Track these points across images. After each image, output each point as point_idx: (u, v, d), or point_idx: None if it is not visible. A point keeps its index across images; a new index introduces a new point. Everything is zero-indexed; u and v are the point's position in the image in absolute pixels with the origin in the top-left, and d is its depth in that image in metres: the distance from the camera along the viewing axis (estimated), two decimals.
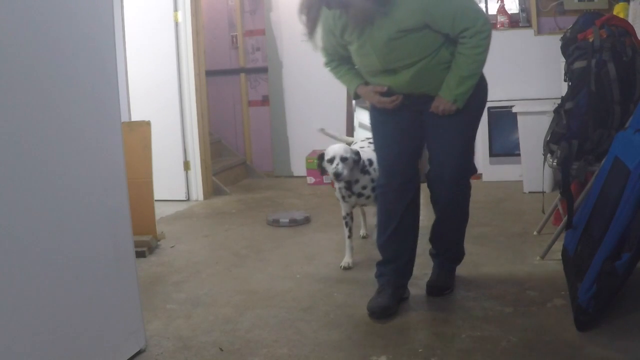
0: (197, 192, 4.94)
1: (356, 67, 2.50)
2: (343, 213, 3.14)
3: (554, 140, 3.08)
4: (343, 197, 3.04)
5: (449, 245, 2.67)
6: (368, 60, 2.37)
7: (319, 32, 2.39)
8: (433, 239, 2.69)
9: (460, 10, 2.24)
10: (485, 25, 2.27)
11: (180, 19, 4.78)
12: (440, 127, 2.42)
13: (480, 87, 2.43)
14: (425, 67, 2.31)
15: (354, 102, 5.43)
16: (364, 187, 2.98)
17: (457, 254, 2.72)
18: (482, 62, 2.33)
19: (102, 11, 2.03)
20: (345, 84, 2.59)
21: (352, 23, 2.27)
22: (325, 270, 3.05)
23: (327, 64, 2.59)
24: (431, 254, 2.74)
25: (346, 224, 3.12)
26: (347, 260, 3.08)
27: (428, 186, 2.58)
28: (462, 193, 2.55)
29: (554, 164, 3.02)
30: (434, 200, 2.59)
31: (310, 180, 5.42)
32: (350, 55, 2.46)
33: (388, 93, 2.42)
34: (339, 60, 2.54)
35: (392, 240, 2.54)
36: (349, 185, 2.96)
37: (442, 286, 2.62)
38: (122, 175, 2.13)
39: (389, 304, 2.44)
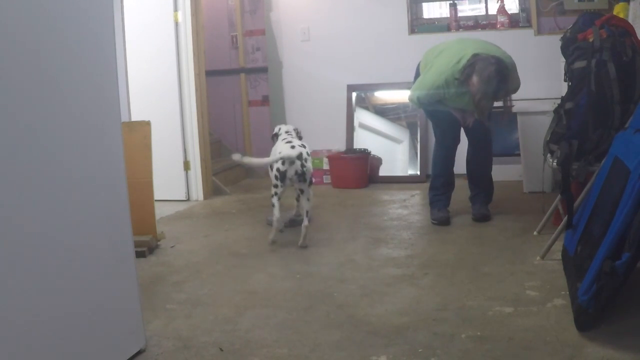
0: (197, 192, 4.93)
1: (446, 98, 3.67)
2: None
3: (554, 140, 3.08)
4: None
5: (482, 178, 3.87)
6: (461, 101, 3.62)
7: (438, 82, 3.58)
8: (471, 177, 3.92)
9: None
10: None
11: (180, 19, 4.78)
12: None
13: None
14: None
15: (353, 102, 5.46)
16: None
17: (489, 187, 3.90)
18: None
19: (102, 11, 2.03)
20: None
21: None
22: (325, 270, 3.05)
23: (420, 105, 3.78)
24: (470, 198, 3.90)
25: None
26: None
27: (466, 133, 3.91)
28: (488, 134, 3.91)
29: (554, 164, 3.01)
30: (472, 143, 3.92)
31: None
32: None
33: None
34: (434, 105, 3.73)
35: (444, 171, 3.93)
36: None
37: (485, 214, 3.80)
38: (122, 175, 2.13)
39: (447, 215, 3.83)
